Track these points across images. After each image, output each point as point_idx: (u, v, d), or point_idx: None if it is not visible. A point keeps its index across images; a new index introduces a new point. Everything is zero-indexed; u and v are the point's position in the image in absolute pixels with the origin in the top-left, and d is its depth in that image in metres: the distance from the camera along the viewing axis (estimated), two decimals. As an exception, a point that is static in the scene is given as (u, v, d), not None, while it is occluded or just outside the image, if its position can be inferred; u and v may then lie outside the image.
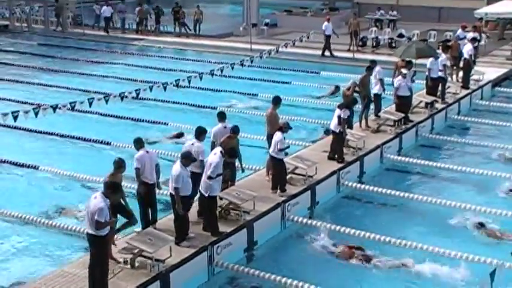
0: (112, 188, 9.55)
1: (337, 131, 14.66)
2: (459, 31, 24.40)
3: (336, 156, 14.85)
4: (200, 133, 12.06)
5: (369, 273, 11.22)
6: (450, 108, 19.58)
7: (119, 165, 10.70)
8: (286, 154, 13.33)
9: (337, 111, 14.64)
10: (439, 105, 19.18)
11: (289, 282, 10.59)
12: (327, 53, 27.74)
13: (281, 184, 13.18)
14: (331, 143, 15.05)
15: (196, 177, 11.41)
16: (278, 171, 13.18)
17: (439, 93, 19.42)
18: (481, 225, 12.81)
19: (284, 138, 12.99)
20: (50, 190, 14.91)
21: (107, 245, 9.76)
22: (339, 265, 11.49)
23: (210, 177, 11.15)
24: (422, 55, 20.28)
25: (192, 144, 11.99)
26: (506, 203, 13.62)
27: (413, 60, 19.09)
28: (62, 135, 18.37)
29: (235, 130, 12.55)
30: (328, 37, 27.51)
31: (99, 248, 9.47)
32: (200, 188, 11.44)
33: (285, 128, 13.10)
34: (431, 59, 19.12)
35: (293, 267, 11.35)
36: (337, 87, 21.46)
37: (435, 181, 15.23)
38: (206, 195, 11.31)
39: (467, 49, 21.25)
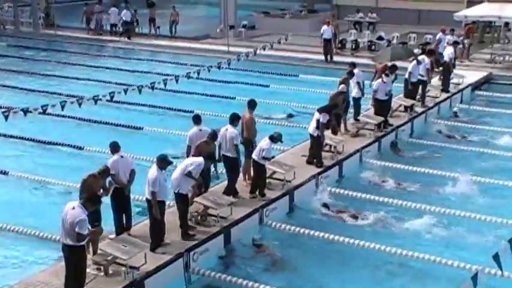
0: (92, 201, 9.54)
1: (315, 134, 14.75)
2: (439, 34, 24.61)
3: (315, 160, 14.94)
4: (234, 119, 12.94)
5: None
6: (430, 112, 19.81)
7: (106, 172, 10.70)
8: (268, 160, 13.46)
9: (316, 115, 14.73)
10: (418, 109, 19.39)
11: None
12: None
13: (261, 189, 13.23)
14: (310, 147, 15.14)
15: (231, 161, 12.79)
16: (259, 176, 13.24)
17: (418, 96, 19.63)
18: (326, 205, 13.47)
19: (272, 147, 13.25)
20: (20, 196, 14.74)
21: (85, 256, 9.68)
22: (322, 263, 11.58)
23: (190, 174, 11.20)
24: (397, 58, 20.43)
25: (226, 129, 12.86)
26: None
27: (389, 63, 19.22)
28: (32, 140, 18.19)
29: (213, 136, 12.54)
30: (327, 41, 27.34)
31: (77, 258, 9.44)
32: (170, 186, 11.44)
33: (277, 139, 13.23)
34: (413, 63, 19.28)
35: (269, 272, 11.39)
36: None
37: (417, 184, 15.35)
38: (176, 191, 11.30)
39: (447, 52, 21.51)
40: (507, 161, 16.50)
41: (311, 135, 14.88)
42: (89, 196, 9.67)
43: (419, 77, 19.37)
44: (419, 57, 19.98)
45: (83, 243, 9.39)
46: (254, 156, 13.09)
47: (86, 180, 10.49)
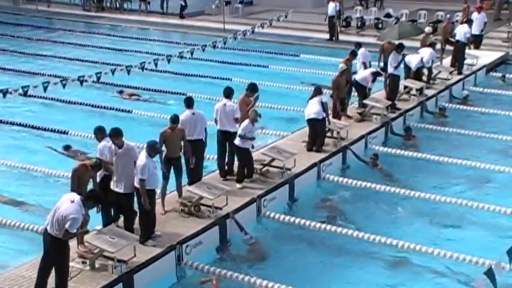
0: (94, 199, 9.52)
1: (321, 117, 14.79)
2: (475, 13, 24.32)
3: (317, 144, 14.94)
4: (229, 93, 13.42)
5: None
6: (441, 95, 19.81)
7: (99, 167, 10.70)
8: (253, 147, 13.51)
9: (317, 98, 14.69)
10: (428, 92, 19.39)
11: (262, 283, 10.62)
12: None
13: (249, 174, 13.30)
14: (309, 133, 15.08)
15: (229, 136, 13.15)
16: (243, 162, 13.24)
17: (424, 77, 19.62)
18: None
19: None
20: (1, 184, 14.75)
21: (68, 248, 9.54)
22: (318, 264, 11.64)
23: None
24: (406, 36, 20.31)
25: (224, 104, 13.22)
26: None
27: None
28: (13, 123, 18.18)
29: (175, 120, 12.20)
30: (330, 18, 27.34)
31: (59, 249, 9.32)
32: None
33: (254, 118, 13.15)
34: (430, 51, 19.15)
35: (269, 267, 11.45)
36: None
37: (424, 173, 15.41)
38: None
39: (463, 31, 21.39)
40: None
41: (316, 120, 14.80)
42: (94, 194, 9.65)
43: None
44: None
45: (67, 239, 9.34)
46: (236, 142, 13.06)
47: (77, 169, 10.48)
